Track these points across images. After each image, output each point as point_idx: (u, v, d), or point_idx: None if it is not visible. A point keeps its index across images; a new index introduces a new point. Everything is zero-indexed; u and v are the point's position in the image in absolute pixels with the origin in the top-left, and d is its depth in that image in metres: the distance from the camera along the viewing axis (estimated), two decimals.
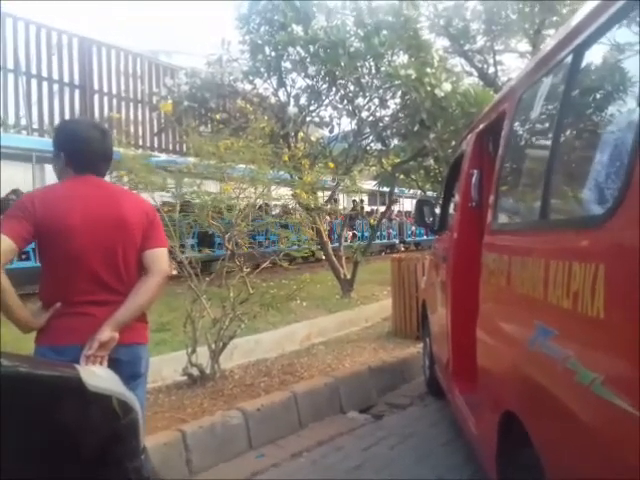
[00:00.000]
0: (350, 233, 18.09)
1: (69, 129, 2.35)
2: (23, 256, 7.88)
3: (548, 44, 2.48)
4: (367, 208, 21.49)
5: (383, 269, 10.44)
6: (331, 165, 8.80)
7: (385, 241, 20.14)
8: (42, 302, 2.17)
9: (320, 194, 8.64)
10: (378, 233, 18.89)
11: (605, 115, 1.80)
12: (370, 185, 11.61)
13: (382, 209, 21.26)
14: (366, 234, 18.54)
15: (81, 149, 2.23)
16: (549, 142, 2.01)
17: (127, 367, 2.11)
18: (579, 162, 1.96)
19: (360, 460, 3.44)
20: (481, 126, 3.44)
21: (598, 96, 1.88)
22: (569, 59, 1.93)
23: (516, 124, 2.59)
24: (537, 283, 1.87)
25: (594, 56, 1.84)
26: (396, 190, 13.52)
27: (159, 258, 2.24)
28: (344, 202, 19.00)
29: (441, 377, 3.97)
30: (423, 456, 3.47)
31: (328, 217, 15.66)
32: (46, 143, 10.34)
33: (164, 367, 4.43)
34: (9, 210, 2.13)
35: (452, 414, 3.69)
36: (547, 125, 2.20)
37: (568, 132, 2.01)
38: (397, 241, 20.93)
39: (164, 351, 4.97)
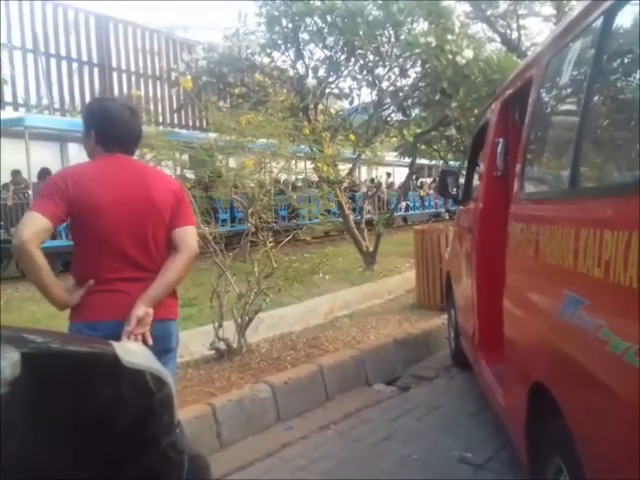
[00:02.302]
0: (404, 204, 19.82)
1: (100, 108, 2.35)
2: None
3: (577, 7, 2.40)
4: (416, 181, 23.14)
5: (405, 241, 10.41)
6: (352, 137, 8.72)
7: (432, 210, 21.91)
8: (75, 280, 2.21)
9: (342, 167, 8.58)
10: (427, 203, 21.56)
11: (637, 80, 1.75)
12: (392, 156, 11.57)
13: (429, 181, 22.51)
14: (417, 204, 20.78)
15: (112, 128, 2.23)
16: (579, 109, 1.96)
17: (158, 342, 2.14)
18: (610, 129, 1.91)
19: (387, 432, 3.48)
20: (506, 94, 3.37)
21: (630, 60, 1.82)
22: (599, 22, 1.87)
23: (544, 91, 2.52)
24: (567, 252, 1.84)
25: (626, 19, 1.78)
26: (440, 163, 13.62)
27: (187, 236, 2.26)
28: (394, 176, 20.92)
29: (467, 348, 3.97)
30: (450, 427, 3.49)
31: (385, 190, 16.86)
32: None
33: (191, 342, 4.50)
34: (43, 189, 2.16)
35: (478, 386, 3.70)
36: (577, 91, 2.14)
37: (598, 98, 1.96)
38: (443, 210, 22.09)
39: (191, 326, 5.04)
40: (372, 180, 20.27)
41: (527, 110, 2.62)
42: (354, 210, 14.19)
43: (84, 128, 2.30)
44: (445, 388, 4.26)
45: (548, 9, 15.31)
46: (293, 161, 5.35)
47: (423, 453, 3.16)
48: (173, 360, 2.35)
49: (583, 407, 1.64)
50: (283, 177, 5.78)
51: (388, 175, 21.02)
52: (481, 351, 3.37)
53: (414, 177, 22.16)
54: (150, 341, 2.09)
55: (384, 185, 20.26)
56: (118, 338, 2.01)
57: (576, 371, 1.66)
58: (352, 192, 15.19)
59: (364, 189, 17.50)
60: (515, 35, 15.26)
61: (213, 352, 4.33)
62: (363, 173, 19.77)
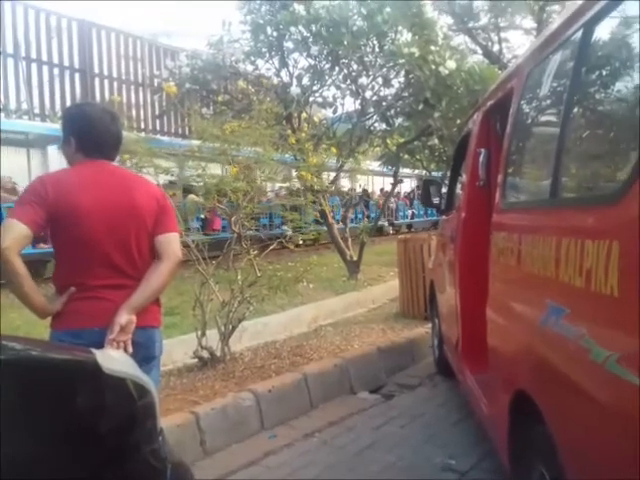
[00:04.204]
0: (410, 212, 20.97)
1: (79, 114, 2.32)
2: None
3: (557, 20, 2.45)
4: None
5: (388, 250, 10.44)
6: (334, 150, 8.76)
7: (435, 218, 22.69)
8: (56, 287, 2.18)
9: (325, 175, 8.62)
10: (429, 211, 21.76)
11: (616, 91, 1.78)
12: (374, 166, 11.65)
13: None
14: (421, 212, 21.71)
15: (91, 134, 2.21)
16: (559, 119, 1.99)
17: (141, 349, 2.12)
18: (590, 139, 1.94)
19: (371, 440, 3.47)
20: (488, 104, 3.41)
21: (608, 72, 1.86)
22: (578, 35, 1.90)
23: (524, 102, 2.56)
24: (548, 262, 1.86)
25: (604, 32, 1.81)
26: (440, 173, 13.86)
27: (171, 243, 2.24)
28: (400, 186, 21.32)
29: (450, 357, 3.99)
30: (434, 435, 3.50)
31: (393, 199, 17.51)
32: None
33: (174, 350, 4.46)
34: (22, 195, 2.13)
35: (461, 394, 3.72)
36: (557, 102, 2.18)
37: (578, 109, 1.99)
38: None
39: (174, 334, 5.00)
40: (381, 190, 20.83)
41: (508, 120, 2.65)
42: (368, 217, 14.59)
43: (63, 134, 2.27)
44: (429, 396, 4.27)
45: (529, 22, 15.58)
46: (278, 169, 5.34)
47: (407, 460, 3.16)
48: (156, 368, 2.33)
49: (565, 415, 1.65)
50: (269, 185, 5.80)
51: (393, 185, 21.53)
52: (465, 359, 3.39)
53: (416, 187, 23.04)
54: (131, 349, 2.07)
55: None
56: (101, 346, 1.99)
57: (558, 379, 1.68)
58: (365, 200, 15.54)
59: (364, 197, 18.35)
60: (496, 47, 15.50)
61: (196, 360, 4.30)
62: (346, 182, 19.89)
